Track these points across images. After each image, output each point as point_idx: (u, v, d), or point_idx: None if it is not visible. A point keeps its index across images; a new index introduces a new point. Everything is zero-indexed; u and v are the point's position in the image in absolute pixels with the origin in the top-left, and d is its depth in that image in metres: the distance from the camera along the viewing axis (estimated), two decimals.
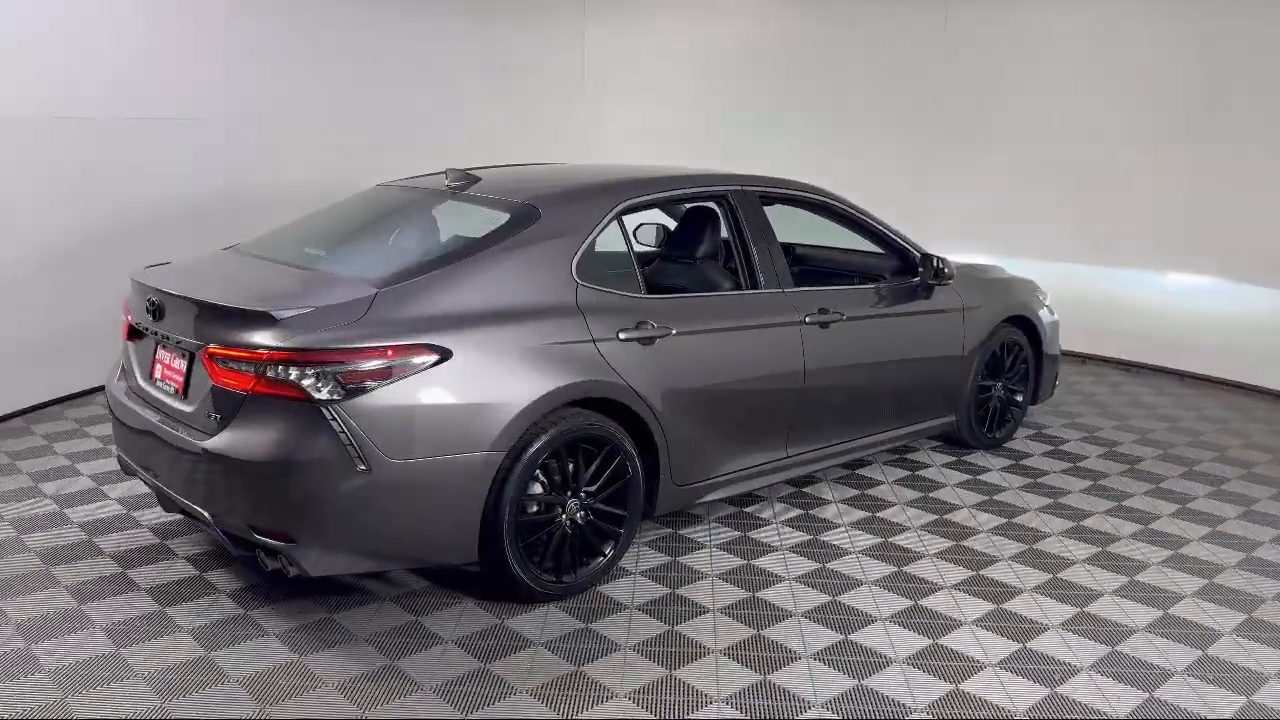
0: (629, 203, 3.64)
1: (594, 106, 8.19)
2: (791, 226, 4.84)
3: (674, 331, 3.57)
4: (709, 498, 3.86)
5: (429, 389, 2.96)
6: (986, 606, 3.45)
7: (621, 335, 3.41)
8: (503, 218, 3.49)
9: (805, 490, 4.47)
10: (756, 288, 3.99)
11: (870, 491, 4.50)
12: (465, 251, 3.28)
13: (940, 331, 4.69)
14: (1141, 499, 4.52)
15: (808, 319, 4.03)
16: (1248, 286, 6.62)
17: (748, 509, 4.22)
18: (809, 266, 5.13)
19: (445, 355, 2.99)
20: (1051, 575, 3.71)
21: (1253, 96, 6.43)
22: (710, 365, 3.69)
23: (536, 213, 3.45)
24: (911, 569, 3.74)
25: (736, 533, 3.99)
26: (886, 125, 7.94)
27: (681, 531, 3.98)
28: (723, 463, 3.85)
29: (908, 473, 4.77)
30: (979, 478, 4.74)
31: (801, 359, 4.01)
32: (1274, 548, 4.02)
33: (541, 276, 3.31)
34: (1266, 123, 6.37)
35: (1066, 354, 7.36)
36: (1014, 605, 3.47)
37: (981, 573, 3.72)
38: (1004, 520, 4.22)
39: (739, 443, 3.90)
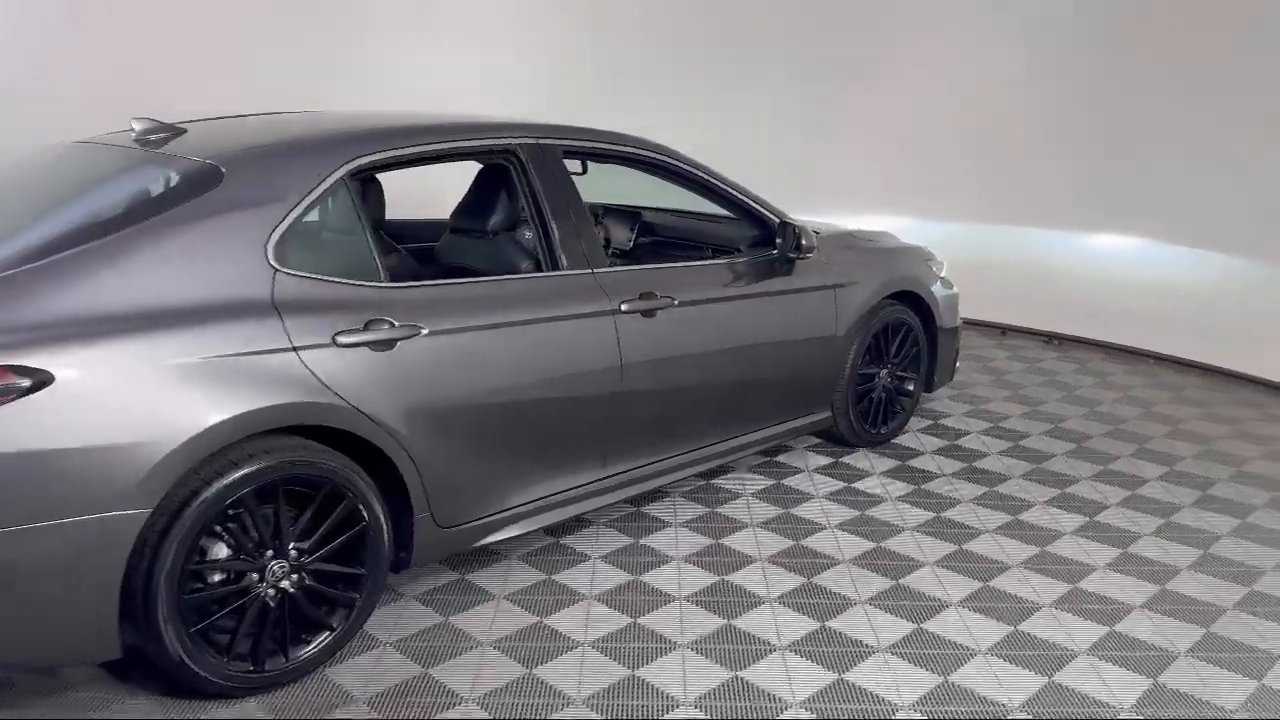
0: (357, 162, 2.77)
1: (417, 45, 6.64)
2: (650, 187, 4.01)
3: (424, 331, 2.74)
4: (498, 536, 3.05)
5: (19, 427, 2.11)
6: (825, 678, 2.70)
7: (340, 339, 2.58)
8: (173, 182, 2.63)
9: (644, 509, 3.70)
10: (557, 268, 3.17)
11: (722, 510, 3.73)
12: (101, 231, 2.41)
13: (806, 313, 3.90)
14: (1041, 511, 3.79)
15: (624, 306, 3.22)
16: (1183, 249, 5.91)
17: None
18: (662, 237, 4.31)
19: (43, 379, 2.14)
20: (916, 626, 2.97)
21: (1169, 47, 5.68)
22: (481, 372, 2.87)
23: (218, 174, 2.58)
24: (745, 623, 2.97)
25: (540, 578, 3.22)
26: (774, 68, 7.05)
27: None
28: (511, 493, 3.05)
29: (772, 481, 4.00)
30: (854, 485, 3.98)
31: (618, 356, 3.21)
32: (1194, 577, 3.31)
33: (217, 262, 2.46)
34: (1186, 72, 5.63)
35: (983, 325, 6.66)
36: (856, 676, 2.72)
37: (828, 624, 2.97)
38: (872, 546, 3.47)
39: (534, 466, 3.10)
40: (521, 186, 3.18)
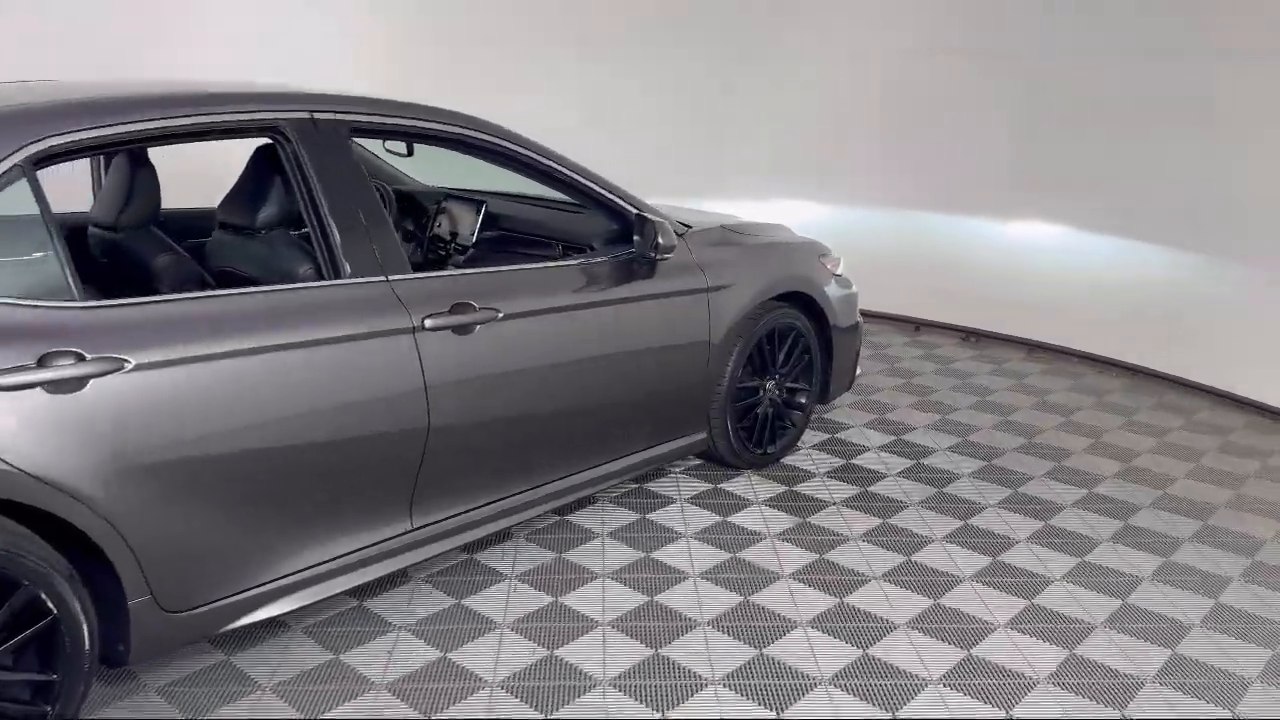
0: (38, 146, 2.12)
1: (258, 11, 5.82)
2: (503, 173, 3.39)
3: (130, 364, 2.11)
4: (260, 615, 2.44)
5: None
6: None
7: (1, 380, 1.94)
8: None
9: (569, 518, 3.11)
10: (339, 276, 2.55)
11: (572, 555, 3.16)
12: None
13: (673, 321, 3.34)
14: (939, 551, 3.29)
15: (429, 322, 2.61)
16: (1110, 239, 5.46)
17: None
18: (510, 231, 3.71)
19: None
20: (776, 716, 2.43)
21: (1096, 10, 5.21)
22: (217, 413, 2.25)
23: None
24: (564, 715, 2.41)
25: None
26: (670, 42, 6.45)
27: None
28: (276, 561, 2.44)
29: (636, 516, 3.44)
30: (730, 519, 3.44)
31: (421, 383, 2.60)
32: (1109, 636, 2.83)
33: None
34: (1113, 46, 5.16)
35: (896, 321, 6.18)
36: None
37: (668, 717, 2.43)
38: (738, 600, 2.94)
39: (306, 526, 2.49)
40: (293, 172, 2.55)
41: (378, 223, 2.64)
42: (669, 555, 3.19)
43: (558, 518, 3.38)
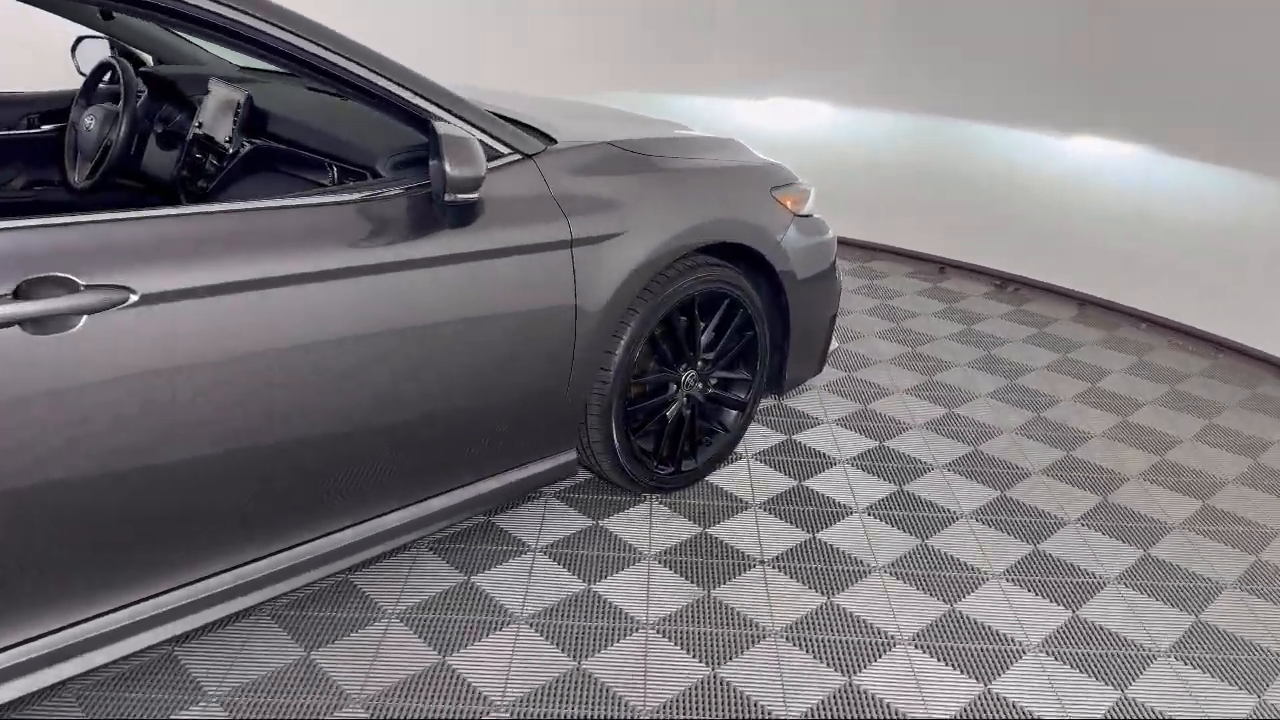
0: None
1: None
2: None
3: None
4: None
5: None
6: None
7: None
8: None
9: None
10: None
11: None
12: None
13: (505, 292, 2.11)
14: (903, 668, 2.14)
15: None
16: (1206, 167, 4.08)
17: None
18: (282, 140, 2.48)
19: None
20: None
21: None
22: None
23: None
24: None
25: None
26: None
27: None
28: None
29: (459, 579, 2.33)
30: (598, 587, 2.31)
31: None
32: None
33: None
34: None
35: (916, 260, 4.89)
36: None
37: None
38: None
39: None
40: None
41: None
42: (467, 665, 2.09)
43: (340, 578, 2.28)
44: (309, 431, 1.86)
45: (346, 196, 1.91)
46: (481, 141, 2.07)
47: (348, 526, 2.05)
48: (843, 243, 5.07)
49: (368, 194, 1.92)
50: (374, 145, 2.16)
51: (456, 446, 2.16)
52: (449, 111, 2.00)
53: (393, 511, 2.11)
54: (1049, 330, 4.18)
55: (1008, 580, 2.42)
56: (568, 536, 2.50)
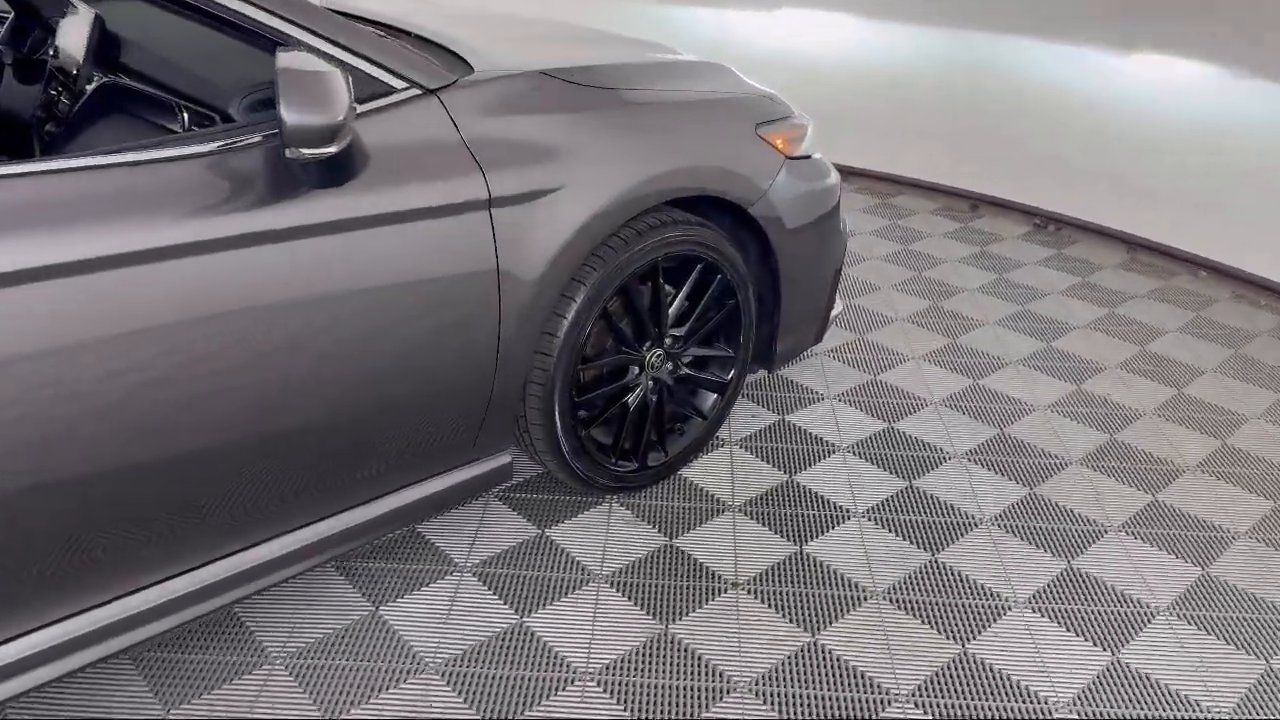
0: None
1: None
2: None
3: None
4: None
5: None
6: None
7: None
8: None
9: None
10: None
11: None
12: None
13: (398, 267, 1.65)
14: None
15: None
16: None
17: None
18: (124, 76, 2.02)
19: None
20: None
21: None
22: None
23: None
24: None
25: None
26: None
27: None
28: None
29: (366, 612, 1.95)
30: (532, 619, 1.92)
31: None
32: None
33: None
34: None
35: (945, 194, 4.36)
36: None
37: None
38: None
39: None
40: None
41: None
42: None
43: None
44: (153, 451, 1.45)
45: (191, 149, 1.46)
46: (362, 73, 1.60)
47: (220, 559, 1.66)
48: (862, 175, 4.55)
49: (218, 145, 1.47)
50: (229, 80, 1.70)
51: (348, 459, 1.75)
52: (308, 31, 1.53)
53: (267, 542, 1.71)
54: (1094, 280, 3.67)
55: (1030, 610, 1.99)
56: (500, 554, 2.10)
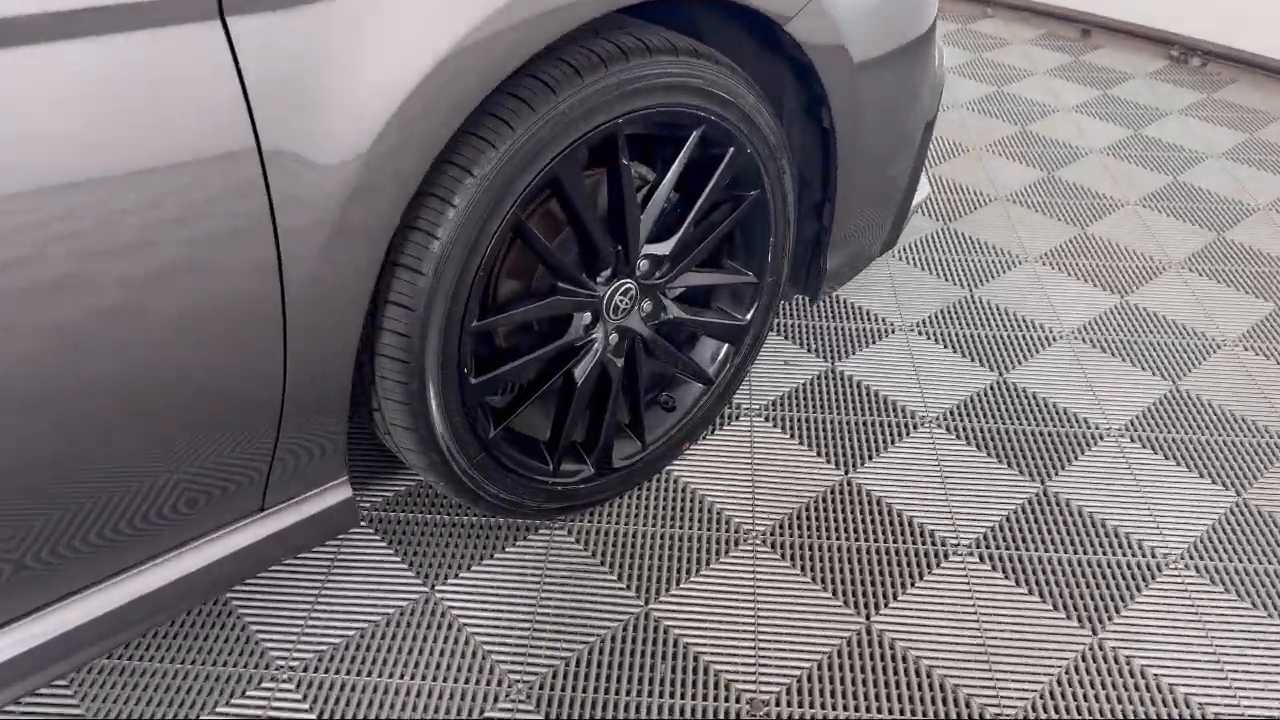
0: None
1: None
2: None
3: None
4: None
5: None
6: None
7: None
8: None
9: None
10: None
11: None
12: None
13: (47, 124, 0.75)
14: None
15: None
16: None
17: None
18: None
19: None
20: None
21: None
22: None
23: None
24: None
25: None
26: None
27: None
28: None
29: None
30: None
31: None
32: None
33: None
34: None
35: (1049, 16, 3.30)
36: None
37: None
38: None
39: None
40: None
41: None
42: None
43: None
44: None
45: None
46: None
47: None
48: None
49: None
50: None
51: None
52: None
53: None
54: (1263, 135, 2.63)
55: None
56: (338, 648, 1.24)
